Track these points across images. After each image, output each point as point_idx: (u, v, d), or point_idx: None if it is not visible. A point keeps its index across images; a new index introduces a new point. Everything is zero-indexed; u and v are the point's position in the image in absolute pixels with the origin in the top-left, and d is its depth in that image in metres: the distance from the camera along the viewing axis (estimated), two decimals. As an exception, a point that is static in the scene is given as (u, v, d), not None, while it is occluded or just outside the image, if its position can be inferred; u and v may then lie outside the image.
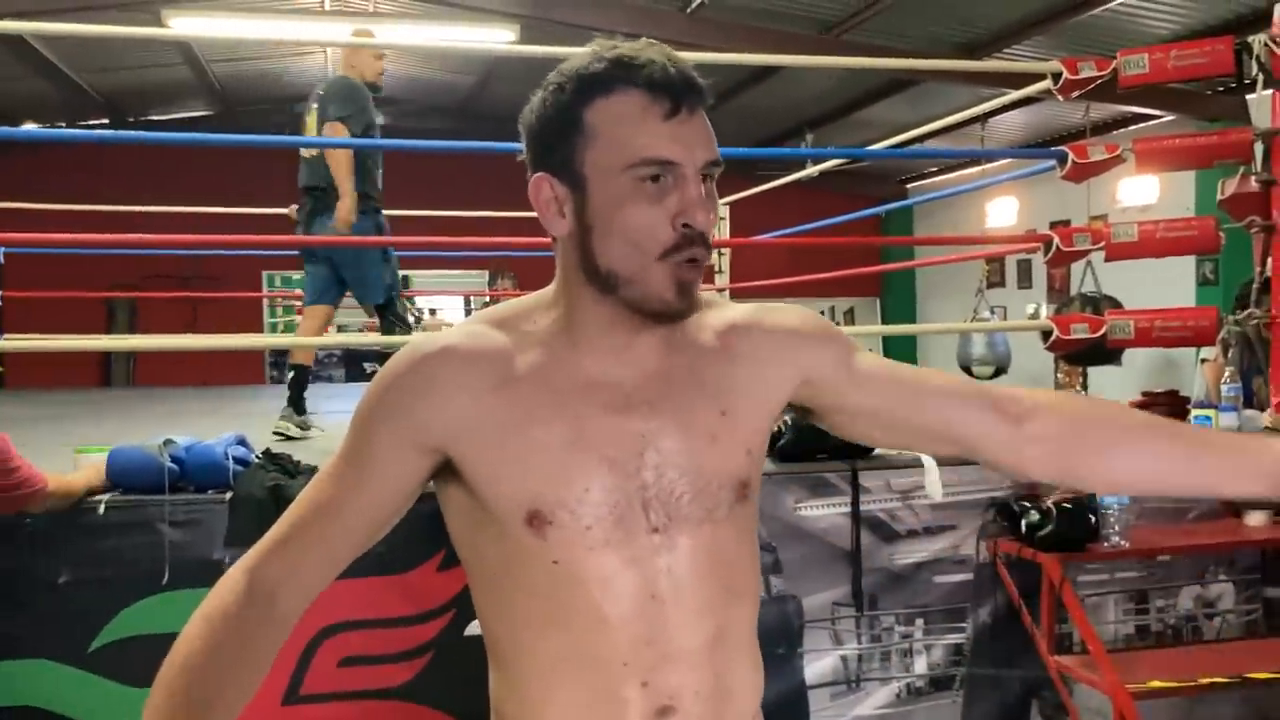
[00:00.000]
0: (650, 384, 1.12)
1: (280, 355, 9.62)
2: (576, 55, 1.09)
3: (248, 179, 8.02)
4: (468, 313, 11.49)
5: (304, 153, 4.27)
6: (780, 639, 2.78)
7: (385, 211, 4.39)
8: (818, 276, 6.49)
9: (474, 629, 2.61)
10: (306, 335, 4.33)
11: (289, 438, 3.73)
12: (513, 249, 7.09)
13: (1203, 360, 4.55)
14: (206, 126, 11.20)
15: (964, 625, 2.99)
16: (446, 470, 1.12)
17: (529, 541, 1.08)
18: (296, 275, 7.93)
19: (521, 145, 1.13)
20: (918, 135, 5.85)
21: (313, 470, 2.35)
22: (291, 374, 4.11)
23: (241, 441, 2.64)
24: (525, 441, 1.08)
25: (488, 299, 11.49)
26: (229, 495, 2.44)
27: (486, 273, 12.98)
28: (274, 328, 10.95)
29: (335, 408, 4.68)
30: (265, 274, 11.54)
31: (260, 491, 2.39)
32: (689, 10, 7.42)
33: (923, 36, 7.85)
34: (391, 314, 4.31)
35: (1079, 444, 1.18)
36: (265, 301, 11.25)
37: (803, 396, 1.23)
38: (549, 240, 1.13)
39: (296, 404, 3.99)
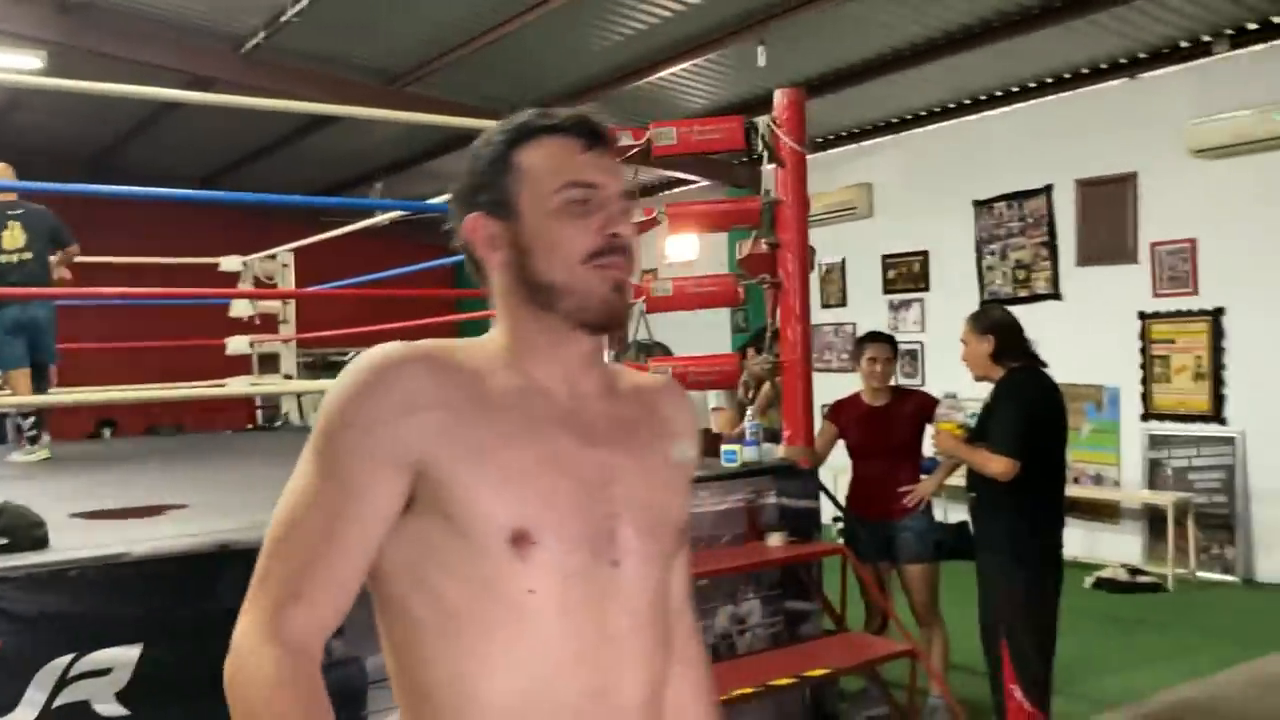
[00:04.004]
0: (607, 423, 1.17)
1: None
2: (501, 121, 1.21)
3: None
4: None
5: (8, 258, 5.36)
6: (344, 703, 2.70)
7: None
8: (389, 326, 6.42)
9: None
10: (26, 393, 5.39)
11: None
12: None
13: (714, 409, 5.08)
14: None
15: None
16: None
17: (508, 566, 1.05)
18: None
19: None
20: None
21: None
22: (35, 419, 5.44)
23: None
24: (507, 460, 1.07)
25: None
26: None
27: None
28: None
29: None
30: None
31: None
32: (243, 50, 7.11)
33: (485, 95, 8.12)
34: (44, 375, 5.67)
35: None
36: None
37: None
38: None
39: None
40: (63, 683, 2.31)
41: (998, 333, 3.60)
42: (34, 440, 5.40)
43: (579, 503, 1.10)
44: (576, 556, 1.08)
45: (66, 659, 2.32)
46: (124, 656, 2.35)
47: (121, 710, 2.33)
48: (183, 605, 2.44)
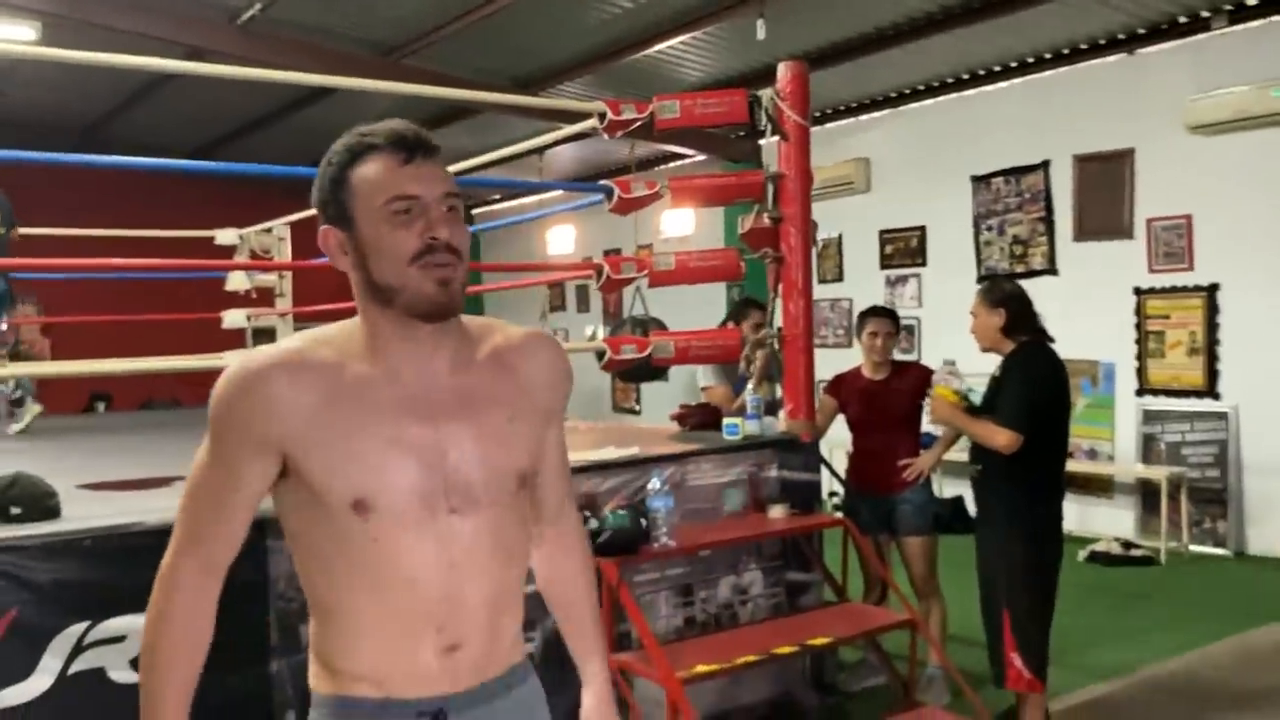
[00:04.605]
0: (450, 397, 1.41)
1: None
2: (340, 140, 1.43)
3: None
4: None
5: None
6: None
7: None
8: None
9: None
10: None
11: None
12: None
13: (704, 388, 5.07)
14: None
15: (533, 635, 3.12)
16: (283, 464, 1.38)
17: (354, 524, 1.35)
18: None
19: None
20: (479, 164, 5.98)
21: None
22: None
23: None
24: (352, 445, 1.35)
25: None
26: None
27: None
28: None
29: None
30: None
31: None
32: (239, 21, 7.06)
33: (481, 68, 8.08)
34: None
35: (551, 574, 1.70)
36: None
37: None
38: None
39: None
40: (78, 650, 2.33)
41: (1009, 306, 3.60)
42: (19, 403, 5.64)
43: (414, 473, 1.37)
44: (412, 513, 1.36)
45: (81, 627, 2.34)
46: (137, 624, 2.35)
47: (136, 677, 2.35)
48: (195, 574, 2.46)
